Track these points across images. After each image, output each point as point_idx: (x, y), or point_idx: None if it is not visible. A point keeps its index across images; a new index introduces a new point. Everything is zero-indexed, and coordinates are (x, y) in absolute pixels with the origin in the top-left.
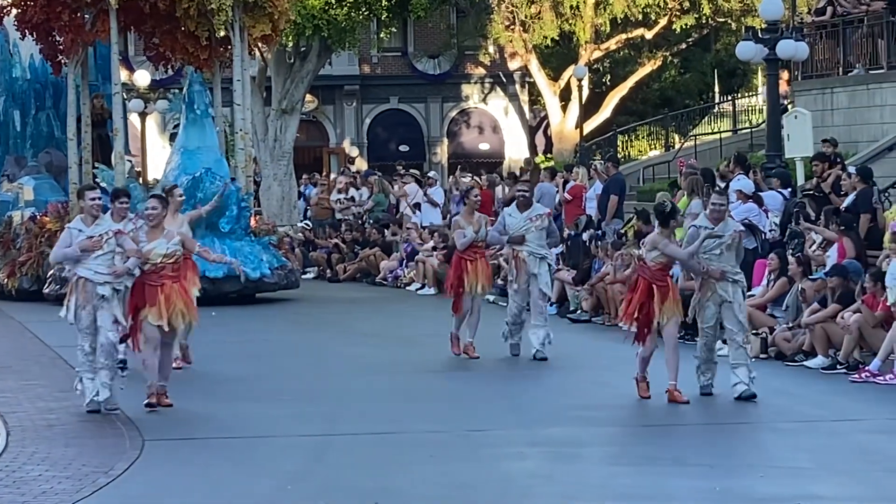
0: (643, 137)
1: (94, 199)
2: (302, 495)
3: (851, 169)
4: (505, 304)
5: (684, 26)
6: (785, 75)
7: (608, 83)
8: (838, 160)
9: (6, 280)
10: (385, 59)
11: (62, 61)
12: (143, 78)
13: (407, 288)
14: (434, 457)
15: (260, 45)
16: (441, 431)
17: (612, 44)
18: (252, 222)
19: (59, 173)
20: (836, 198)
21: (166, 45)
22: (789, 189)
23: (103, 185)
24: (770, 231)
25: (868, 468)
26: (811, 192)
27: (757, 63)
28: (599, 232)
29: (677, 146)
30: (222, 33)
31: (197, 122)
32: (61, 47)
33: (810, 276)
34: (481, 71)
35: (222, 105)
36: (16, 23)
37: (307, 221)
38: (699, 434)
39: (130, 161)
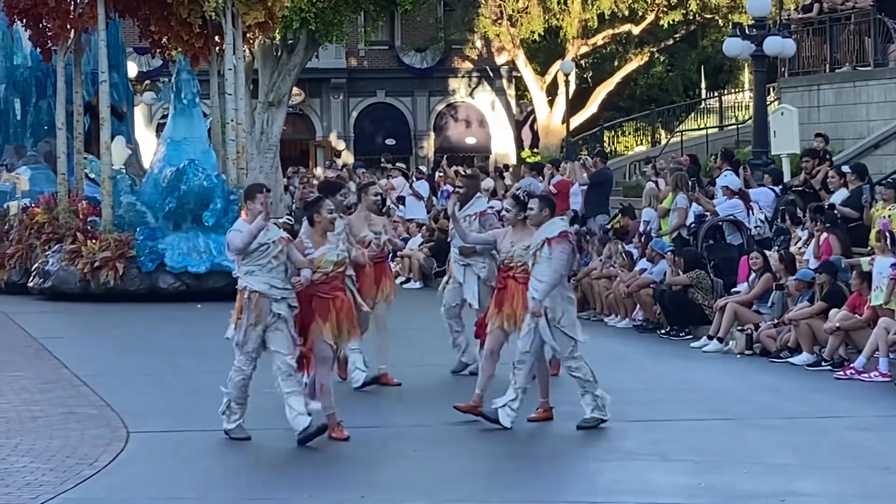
0: (630, 133)
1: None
2: (287, 488)
3: (846, 168)
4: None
5: (671, 22)
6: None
7: (590, 80)
8: (828, 156)
9: None
10: (372, 53)
11: (52, 48)
12: (129, 69)
13: None
14: (418, 451)
15: (256, 33)
16: (425, 425)
17: (599, 39)
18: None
19: (57, 162)
20: (827, 194)
21: (162, 33)
22: (781, 186)
23: (91, 175)
24: (756, 227)
25: (852, 465)
26: (800, 188)
27: (744, 59)
28: (586, 227)
29: (663, 142)
30: (214, 19)
31: (185, 112)
32: (51, 34)
33: (794, 276)
34: (468, 65)
35: (218, 96)
36: (4, 8)
37: (289, 217)
38: (683, 430)
39: (130, 150)
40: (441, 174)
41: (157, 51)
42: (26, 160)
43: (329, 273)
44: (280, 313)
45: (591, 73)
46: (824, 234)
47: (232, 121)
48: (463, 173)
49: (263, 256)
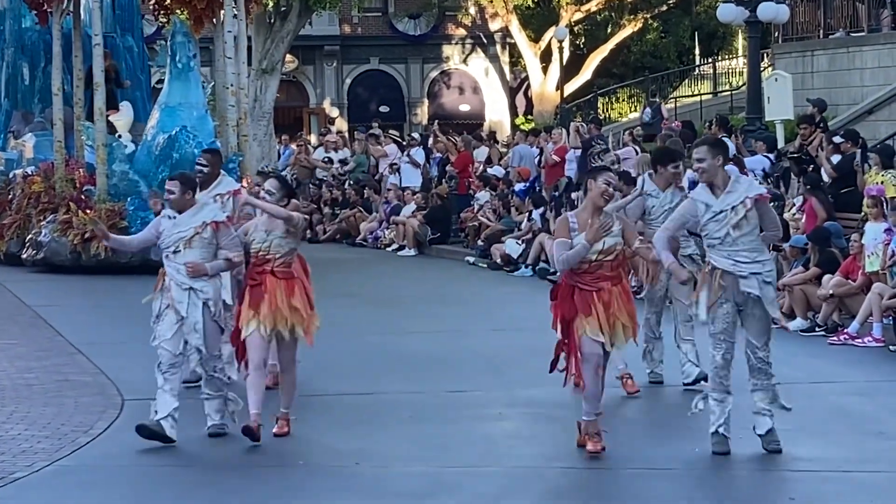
0: (624, 100)
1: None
2: (281, 455)
3: (838, 139)
4: (485, 266)
5: None
6: None
7: (584, 47)
8: (822, 124)
9: None
10: (365, 20)
11: (48, 10)
12: None
13: (387, 249)
14: (413, 418)
15: None
16: (420, 392)
17: (592, 5)
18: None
19: (67, 130)
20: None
21: None
22: (775, 153)
23: (88, 143)
24: None
25: (845, 430)
26: (795, 154)
27: (737, 25)
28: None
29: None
30: None
31: (180, 76)
32: None
33: (788, 243)
34: (462, 32)
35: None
36: None
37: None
38: (677, 396)
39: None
40: (433, 140)
41: (161, 13)
42: (33, 127)
43: (592, 262)
44: (751, 292)
45: (584, 40)
46: (807, 198)
47: (232, 85)
48: (208, 152)
49: (723, 225)
